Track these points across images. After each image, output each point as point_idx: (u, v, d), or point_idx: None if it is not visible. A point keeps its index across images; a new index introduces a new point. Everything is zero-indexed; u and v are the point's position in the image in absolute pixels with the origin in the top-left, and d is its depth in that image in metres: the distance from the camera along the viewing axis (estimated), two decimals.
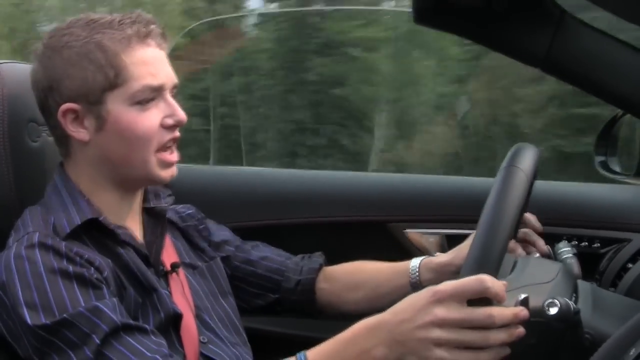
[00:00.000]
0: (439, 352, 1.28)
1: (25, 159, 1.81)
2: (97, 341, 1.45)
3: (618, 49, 1.32)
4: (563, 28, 1.32)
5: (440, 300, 1.29)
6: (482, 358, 1.29)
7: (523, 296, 1.30)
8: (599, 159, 1.86)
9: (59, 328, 1.47)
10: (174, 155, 1.69)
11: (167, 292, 1.70)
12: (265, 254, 2.05)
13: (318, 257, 2.06)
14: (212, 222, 2.05)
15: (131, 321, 1.53)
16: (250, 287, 2.01)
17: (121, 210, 1.71)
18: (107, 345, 1.46)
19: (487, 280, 1.29)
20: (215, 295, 1.85)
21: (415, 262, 1.92)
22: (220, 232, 2.04)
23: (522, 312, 1.30)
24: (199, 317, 1.75)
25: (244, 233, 2.12)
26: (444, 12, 1.37)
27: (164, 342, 1.54)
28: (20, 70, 1.87)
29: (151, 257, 1.71)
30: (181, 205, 2.00)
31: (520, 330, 1.30)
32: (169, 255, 1.80)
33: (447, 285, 1.30)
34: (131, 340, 1.49)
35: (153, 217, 1.79)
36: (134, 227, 1.74)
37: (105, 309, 1.49)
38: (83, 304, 1.48)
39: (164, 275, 1.74)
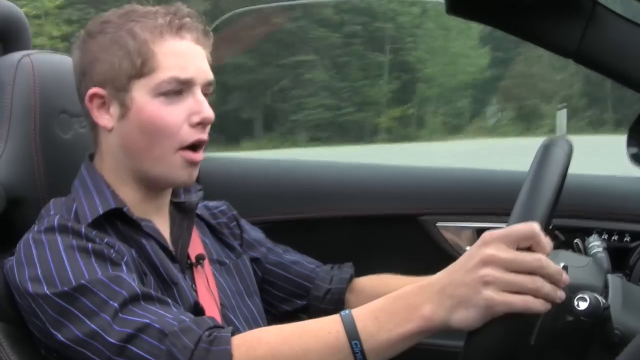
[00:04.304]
0: (488, 292, 1.21)
1: (56, 151, 1.81)
2: (116, 305, 1.43)
3: None
4: (595, 19, 1.31)
5: (487, 242, 1.24)
6: (530, 303, 1.21)
7: (562, 264, 1.27)
8: (631, 150, 1.84)
9: (77, 295, 1.46)
10: (198, 155, 1.66)
11: (191, 286, 1.69)
12: (296, 259, 2.03)
13: (348, 267, 2.03)
14: (246, 222, 2.03)
15: (152, 292, 1.51)
16: (279, 291, 2.00)
17: (146, 206, 1.70)
18: (125, 310, 1.44)
19: (537, 226, 1.24)
20: (241, 294, 1.84)
21: None
22: (254, 233, 2.02)
23: (565, 275, 1.25)
24: (224, 315, 1.74)
25: (273, 227, 2.12)
26: (476, 2, 1.37)
27: (189, 314, 1.51)
28: (51, 61, 1.88)
29: (177, 252, 1.71)
30: (214, 202, 2.00)
31: (562, 293, 1.24)
32: (196, 249, 1.79)
33: (496, 230, 1.26)
34: (152, 307, 1.46)
35: (181, 212, 1.79)
36: (161, 222, 1.73)
37: (126, 278, 1.48)
38: (101, 274, 1.48)
39: (189, 268, 1.73)
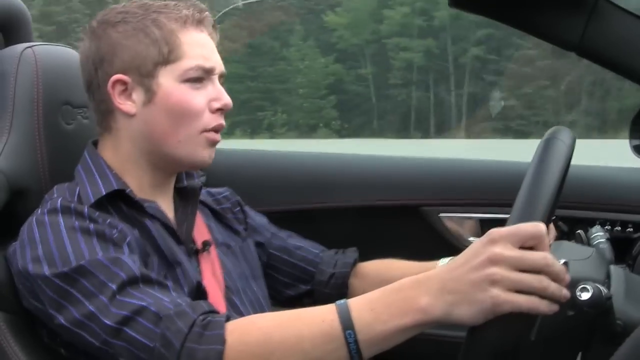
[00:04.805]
0: (495, 290, 1.20)
1: (59, 142, 1.82)
2: (114, 287, 1.45)
3: None
4: (597, 12, 1.30)
5: (494, 240, 1.24)
6: (536, 304, 1.21)
7: (563, 261, 1.26)
8: (634, 142, 1.84)
9: (76, 277, 1.47)
10: (218, 135, 1.71)
11: (196, 268, 1.71)
12: (300, 244, 2.04)
13: (352, 252, 2.04)
14: (249, 208, 2.05)
15: (152, 275, 1.52)
16: (283, 276, 2.01)
17: (153, 189, 1.72)
18: (123, 292, 1.45)
19: (543, 227, 1.24)
20: (246, 278, 1.85)
21: (443, 262, 1.87)
22: (258, 218, 2.04)
23: (567, 274, 1.25)
24: (228, 299, 1.75)
25: (277, 217, 2.12)
26: None
27: (187, 298, 1.52)
28: (54, 53, 1.89)
29: (181, 235, 1.72)
30: (217, 188, 2.01)
31: (567, 292, 1.25)
32: (201, 234, 1.80)
33: (502, 228, 1.25)
34: (150, 290, 1.47)
35: (184, 197, 1.81)
36: (166, 206, 1.74)
37: (126, 260, 1.49)
38: (102, 254, 1.49)
39: (195, 253, 1.75)
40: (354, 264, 2.01)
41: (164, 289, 1.50)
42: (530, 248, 1.24)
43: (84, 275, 1.47)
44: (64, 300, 1.48)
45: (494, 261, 1.23)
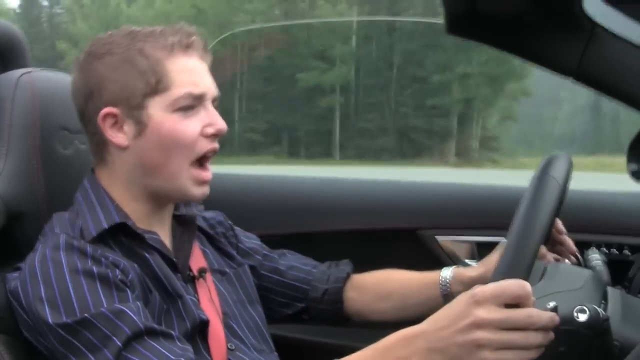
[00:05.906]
0: (484, 353, 1.25)
1: (56, 167, 1.82)
2: (119, 343, 1.45)
3: None
4: (595, 40, 1.31)
5: (479, 302, 1.26)
6: (522, 356, 1.26)
7: (552, 304, 1.29)
8: (632, 167, 1.85)
9: (80, 328, 1.46)
10: (208, 174, 1.69)
11: (193, 298, 1.70)
12: (292, 263, 2.04)
13: (345, 265, 2.05)
14: (240, 230, 2.05)
15: (156, 326, 1.52)
16: (277, 296, 2.01)
17: (150, 219, 1.71)
18: (128, 348, 1.45)
19: (528, 286, 1.27)
20: (243, 303, 1.85)
21: (445, 272, 1.90)
22: (249, 240, 2.04)
23: (555, 317, 1.28)
24: (226, 324, 1.75)
25: (273, 241, 2.12)
26: (476, 22, 1.37)
27: (190, 348, 1.53)
28: (51, 78, 1.89)
29: (179, 263, 1.72)
30: (210, 212, 2.00)
31: (552, 335, 1.28)
32: (197, 261, 1.80)
33: (486, 287, 1.28)
34: (155, 344, 1.47)
35: (182, 225, 1.80)
36: (163, 234, 1.74)
37: (129, 312, 1.49)
38: (105, 305, 1.48)
39: (191, 281, 1.74)
40: (347, 277, 2.01)
41: (168, 339, 1.51)
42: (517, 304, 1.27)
43: (88, 328, 1.47)
44: (68, 351, 1.48)
45: (479, 325, 1.26)
